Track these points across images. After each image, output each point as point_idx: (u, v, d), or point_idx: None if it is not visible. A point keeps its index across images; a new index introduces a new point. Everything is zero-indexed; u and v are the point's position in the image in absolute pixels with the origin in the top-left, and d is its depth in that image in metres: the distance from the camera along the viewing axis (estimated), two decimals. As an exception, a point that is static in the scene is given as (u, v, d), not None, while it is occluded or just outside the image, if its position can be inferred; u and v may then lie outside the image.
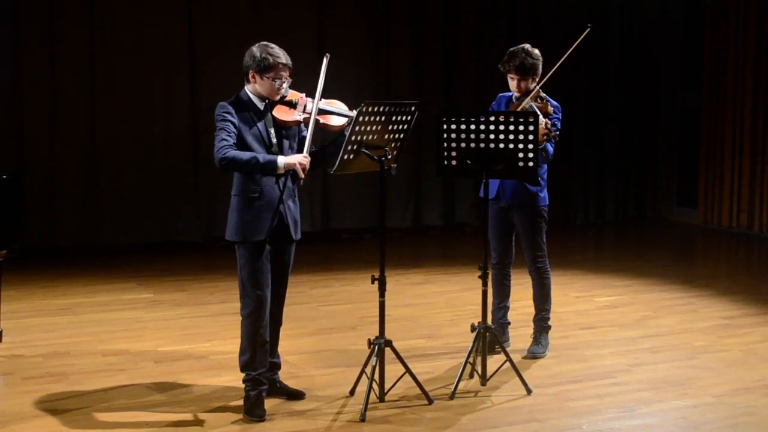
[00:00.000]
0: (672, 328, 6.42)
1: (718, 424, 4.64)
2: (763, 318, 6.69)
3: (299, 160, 4.54)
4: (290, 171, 4.63)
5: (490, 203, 5.62)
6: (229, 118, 4.55)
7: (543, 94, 5.42)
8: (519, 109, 5.31)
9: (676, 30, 11.13)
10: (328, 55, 4.74)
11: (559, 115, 5.47)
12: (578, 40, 5.38)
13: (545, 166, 5.54)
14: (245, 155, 4.49)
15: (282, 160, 4.52)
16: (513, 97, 5.53)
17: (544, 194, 5.60)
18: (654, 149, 11.32)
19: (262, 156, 4.52)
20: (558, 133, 5.26)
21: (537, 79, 5.47)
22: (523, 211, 5.57)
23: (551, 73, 5.40)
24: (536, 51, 5.48)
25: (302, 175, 4.55)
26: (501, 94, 5.69)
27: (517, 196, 5.54)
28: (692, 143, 10.96)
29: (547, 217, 5.66)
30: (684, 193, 11.22)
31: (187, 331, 6.29)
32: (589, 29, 5.44)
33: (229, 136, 4.51)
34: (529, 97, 5.36)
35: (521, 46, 5.49)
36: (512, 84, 5.49)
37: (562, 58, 5.37)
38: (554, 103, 5.47)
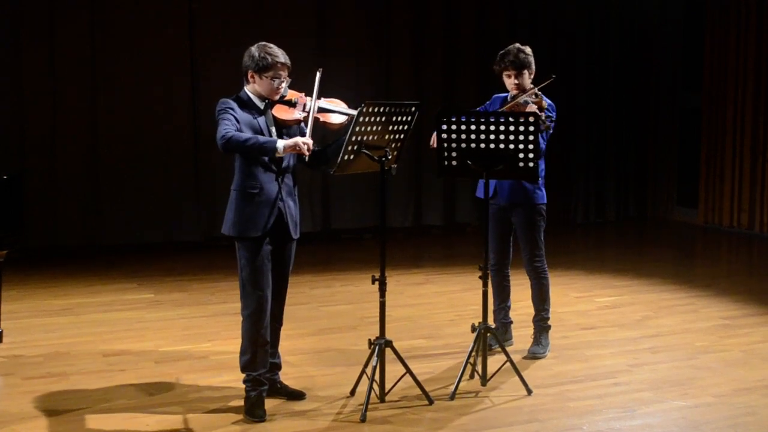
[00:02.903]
0: (672, 328, 6.42)
1: (718, 424, 4.64)
2: (764, 318, 6.69)
3: (300, 140, 4.50)
4: (291, 167, 4.68)
5: (489, 204, 5.62)
6: (231, 112, 4.55)
7: (539, 93, 5.42)
8: (513, 104, 5.33)
9: (676, 30, 11.13)
10: (321, 69, 4.72)
11: (553, 114, 5.46)
12: (542, 85, 5.39)
13: (542, 164, 5.53)
14: (244, 135, 4.49)
15: (281, 143, 4.49)
16: (508, 97, 5.53)
17: (542, 192, 5.60)
18: (654, 149, 11.32)
19: (263, 138, 4.53)
20: (551, 124, 5.26)
21: (532, 75, 5.50)
22: (521, 209, 5.58)
23: (543, 85, 5.41)
24: (528, 48, 5.54)
25: (306, 153, 4.52)
26: (496, 95, 5.70)
27: (514, 195, 5.54)
28: (692, 143, 10.96)
29: (546, 216, 5.66)
30: (684, 193, 11.23)
31: (188, 332, 6.29)
32: (552, 78, 5.42)
33: (232, 124, 4.51)
34: (526, 94, 5.37)
35: (512, 45, 5.55)
36: (509, 82, 5.50)
37: (540, 86, 5.42)
38: (548, 101, 5.47)
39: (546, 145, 5.46)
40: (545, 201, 5.63)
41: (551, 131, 5.38)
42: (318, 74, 4.70)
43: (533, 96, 5.38)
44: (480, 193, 5.61)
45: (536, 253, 5.65)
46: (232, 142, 4.44)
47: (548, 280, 5.74)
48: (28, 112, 8.65)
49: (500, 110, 5.36)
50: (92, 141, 8.88)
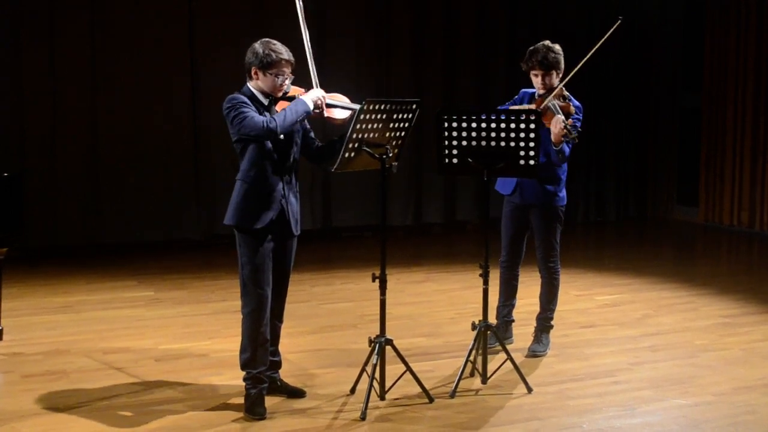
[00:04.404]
0: (673, 326, 6.42)
1: (718, 423, 4.64)
2: (764, 317, 6.69)
3: (320, 93, 4.62)
4: (294, 166, 4.69)
5: (507, 200, 5.63)
6: (246, 105, 4.53)
7: (566, 93, 5.38)
8: (542, 107, 5.29)
9: (676, 30, 11.14)
10: None
11: (580, 116, 5.41)
12: (608, 34, 5.34)
13: (564, 166, 5.53)
14: (279, 117, 4.50)
15: (309, 102, 4.56)
16: (536, 94, 5.50)
17: (563, 194, 5.58)
18: (654, 149, 11.33)
19: (292, 106, 4.55)
20: (577, 134, 5.21)
21: (560, 75, 5.46)
22: (541, 210, 5.56)
23: (576, 70, 5.36)
24: (557, 46, 5.46)
25: (321, 108, 4.61)
26: (524, 90, 5.64)
27: (536, 195, 5.52)
28: (692, 143, 10.97)
29: (563, 218, 5.65)
30: (684, 192, 11.24)
31: (188, 329, 6.29)
32: (619, 22, 5.41)
33: (254, 111, 4.51)
34: (552, 95, 5.33)
35: (541, 42, 5.47)
36: (536, 81, 5.45)
37: (588, 55, 5.34)
38: (576, 103, 5.44)
39: (570, 149, 5.41)
40: (565, 203, 5.62)
41: (577, 141, 5.25)
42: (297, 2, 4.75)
43: (561, 99, 5.33)
44: (500, 188, 5.61)
45: (551, 253, 5.64)
46: (282, 128, 4.47)
47: (559, 282, 5.73)
48: (28, 112, 8.64)
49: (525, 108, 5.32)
50: (92, 141, 8.88)
